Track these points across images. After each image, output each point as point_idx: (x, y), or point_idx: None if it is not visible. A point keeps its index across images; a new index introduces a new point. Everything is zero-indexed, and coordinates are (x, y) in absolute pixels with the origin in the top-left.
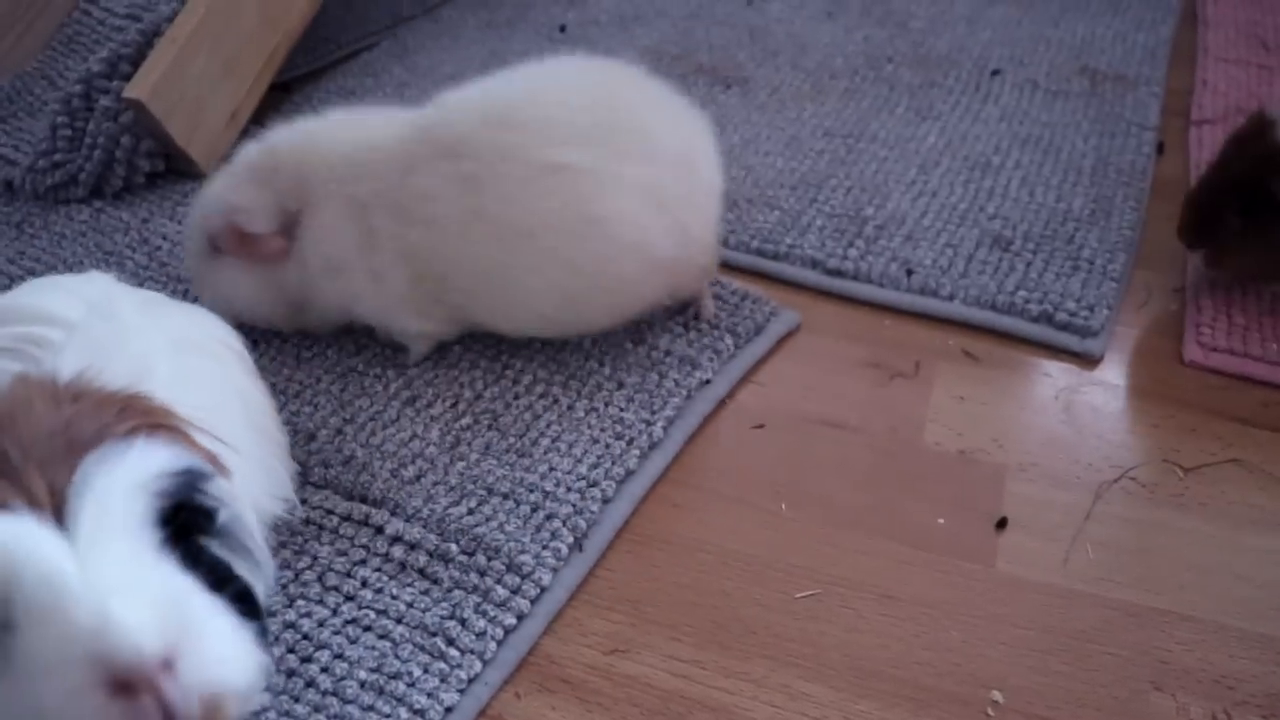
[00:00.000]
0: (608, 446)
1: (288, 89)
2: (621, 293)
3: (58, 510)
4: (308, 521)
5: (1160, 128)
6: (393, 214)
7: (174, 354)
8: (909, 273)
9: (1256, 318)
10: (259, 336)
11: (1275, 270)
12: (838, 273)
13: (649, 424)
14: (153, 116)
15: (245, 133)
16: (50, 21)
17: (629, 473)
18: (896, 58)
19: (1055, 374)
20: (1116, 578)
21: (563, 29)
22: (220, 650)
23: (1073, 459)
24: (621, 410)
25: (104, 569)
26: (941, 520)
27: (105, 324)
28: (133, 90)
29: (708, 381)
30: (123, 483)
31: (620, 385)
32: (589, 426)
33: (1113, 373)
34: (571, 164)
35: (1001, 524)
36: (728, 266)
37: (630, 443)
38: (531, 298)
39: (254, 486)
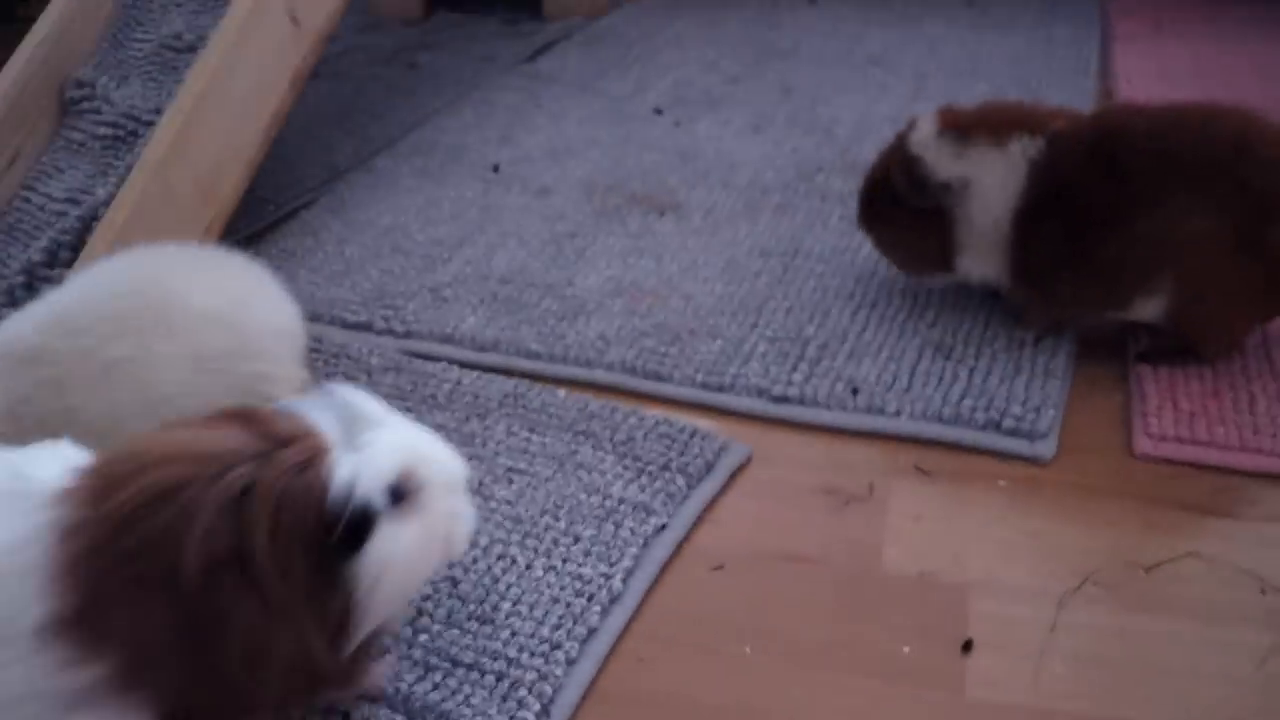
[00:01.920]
0: (568, 605)
1: None
2: None
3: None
4: None
5: None
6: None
7: None
8: (854, 391)
9: (1201, 402)
10: None
11: (899, 251)
12: (784, 399)
13: (608, 577)
14: None
15: None
16: None
17: (591, 631)
18: (826, 167)
19: (1008, 481)
20: (1087, 691)
21: (496, 169)
22: None
23: (1033, 569)
24: (580, 565)
25: (425, 436)
26: (907, 649)
27: None
28: None
29: (663, 527)
30: (366, 400)
31: (577, 539)
32: (549, 585)
33: (1065, 473)
34: (123, 356)
35: (967, 646)
36: (674, 403)
37: (591, 599)
38: None
39: None
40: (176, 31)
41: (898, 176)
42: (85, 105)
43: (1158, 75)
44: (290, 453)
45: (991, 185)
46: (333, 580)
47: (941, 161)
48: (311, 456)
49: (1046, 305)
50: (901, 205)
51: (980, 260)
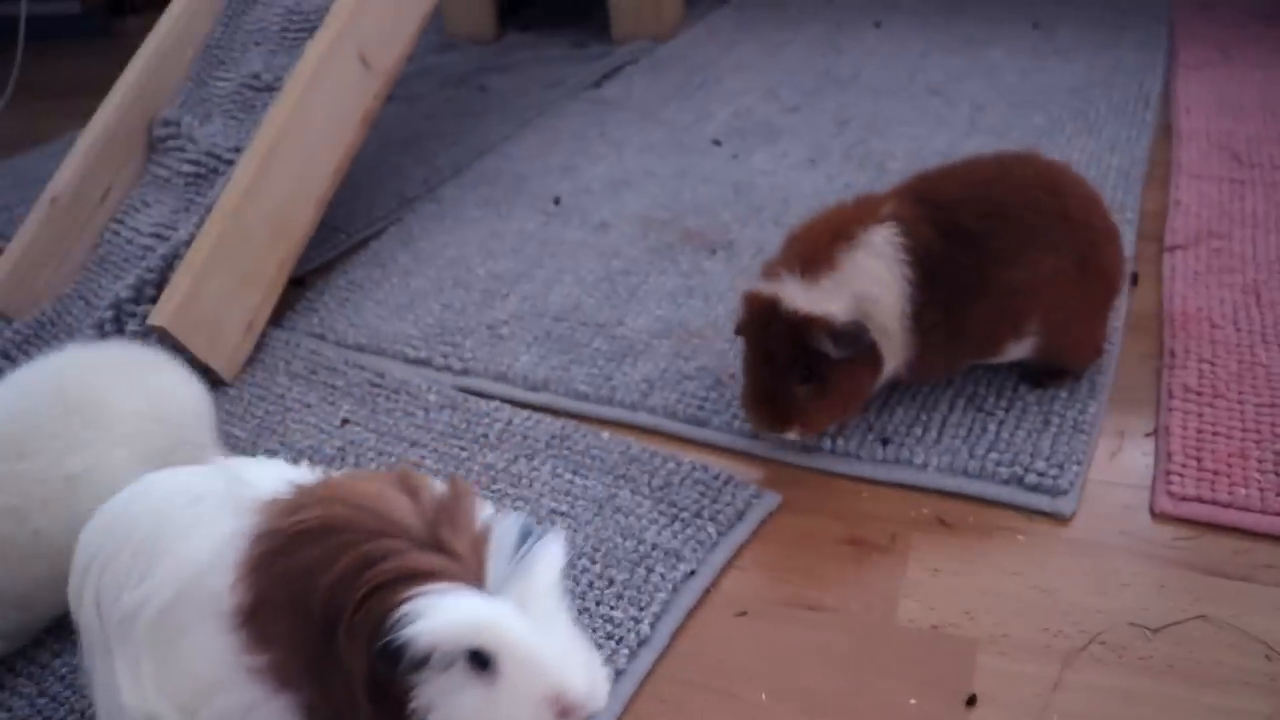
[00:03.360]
0: (599, 647)
1: (302, 283)
2: None
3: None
4: None
5: (1135, 257)
6: None
7: None
8: (884, 442)
9: (1225, 461)
10: None
11: (846, 408)
12: (814, 449)
13: (637, 621)
14: (175, 339)
15: (263, 334)
16: (86, 242)
17: (619, 672)
18: None
19: (1027, 537)
20: None
21: (557, 201)
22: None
23: (1042, 626)
24: (611, 609)
25: (554, 637)
26: (913, 701)
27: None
28: (156, 318)
29: (692, 573)
30: (546, 573)
31: (610, 583)
32: (582, 627)
33: (1084, 530)
34: (82, 469)
35: (971, 701)
36: (712, 448)
37: (620, 641)
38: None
39: None
40: (255, 71)
41: (828, 346)
42: (171, 143)
43: (1219, 106)
44: (423, 558)
45: (882, 285)
46: (391, 684)
47: (837, 303)
48: (432, 574)
49: (935, 371)
50: (817, 375)
51: (893, 359)
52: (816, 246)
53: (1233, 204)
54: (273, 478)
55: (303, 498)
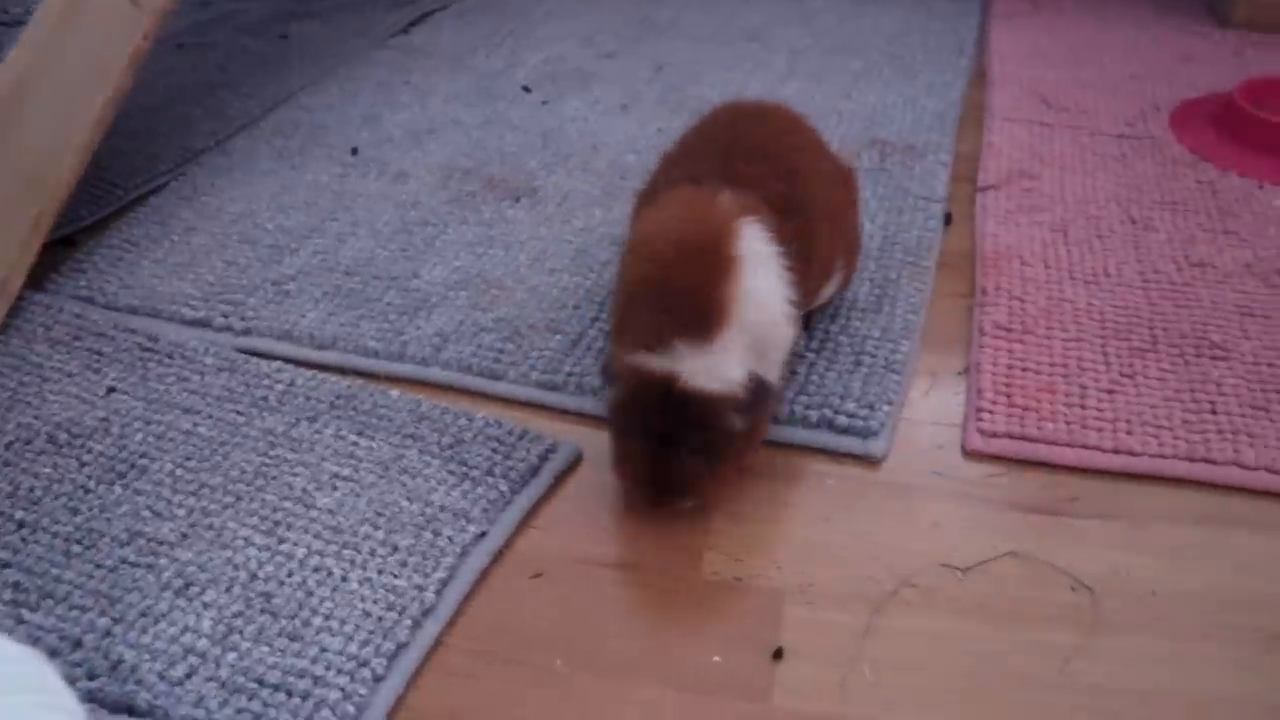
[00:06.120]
0: (379, 619)
1: (71, 243)
2: None
3: None
4: None
5: (948, 198)
6: None
7: None
8: None
9: (1034, 396)
10: (28, 534)
11: (744, 461)
12: None
13: (421, 589)
14: None
15: (21, 298)
16: None
17: (400, 646)
18: None
19: (837, 482)
20: (895, 698)
21: (354, 151)
22: None
23: (852, 574)
24: (394, 577)
25: None
26: (718, 658)
27: None
28: None
29: (483, 534)
30: None
31: (394, 549)
32: (361, 599)
33: (895, 472)
34: None
35: (778, 654)
36: (507, 401)
37: (402, 612)
38: None
39: None
40: (1, 4)
41: (734, 421)
42: None
43: (1030, 54)
44: None
45: (773, 299)
46: None
47: (736, 365)
48: None
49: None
50: (713, 449)
51: (779, 364)
52: (700, 294)
53: (1042, 146)
54: None
55: None
